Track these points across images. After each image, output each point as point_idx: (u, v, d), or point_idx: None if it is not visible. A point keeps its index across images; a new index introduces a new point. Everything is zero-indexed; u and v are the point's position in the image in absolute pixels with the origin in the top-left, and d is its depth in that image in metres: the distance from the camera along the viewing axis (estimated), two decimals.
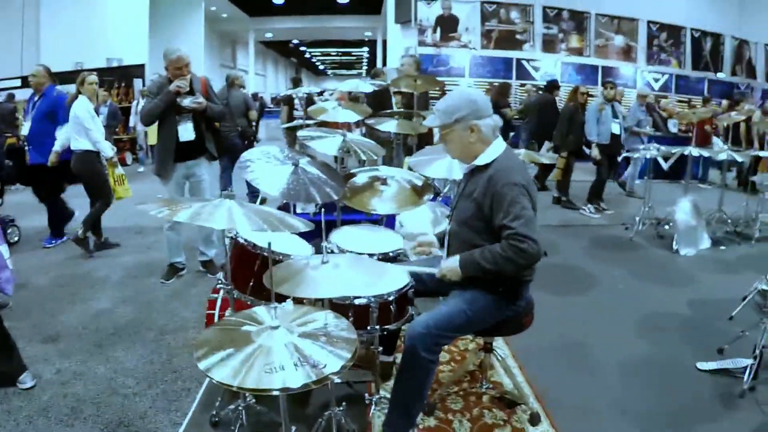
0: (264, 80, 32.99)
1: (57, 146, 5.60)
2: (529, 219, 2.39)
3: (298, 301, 2.02)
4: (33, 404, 3.00)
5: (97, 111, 11.19)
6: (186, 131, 4.70)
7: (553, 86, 9.84)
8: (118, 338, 3.82)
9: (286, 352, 1.64)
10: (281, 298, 1.94)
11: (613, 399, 3.25)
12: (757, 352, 3.33)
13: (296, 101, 9.62)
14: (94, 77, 5.81)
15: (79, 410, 2.95)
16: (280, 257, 2.60)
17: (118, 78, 13.28)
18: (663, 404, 3.21)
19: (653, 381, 3.48)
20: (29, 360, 3.33)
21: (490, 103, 2.65)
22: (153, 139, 8.01)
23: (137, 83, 13.40)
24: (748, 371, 3.31)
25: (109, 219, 6.03)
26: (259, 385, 1.53)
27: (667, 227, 6.88)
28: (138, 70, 13.48)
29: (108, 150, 5.73)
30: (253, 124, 8.40)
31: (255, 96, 14.90)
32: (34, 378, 3.20)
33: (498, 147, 2.61)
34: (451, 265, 2.54)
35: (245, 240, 2.71)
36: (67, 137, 5.57)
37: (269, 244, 1.81)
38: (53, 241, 6.03)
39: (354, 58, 41.56)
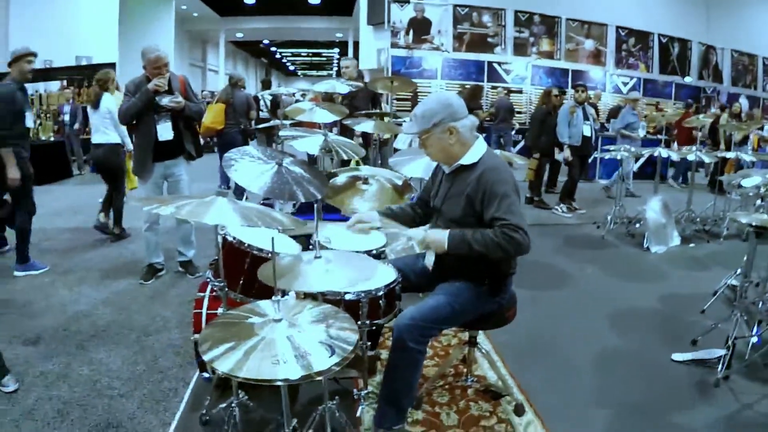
0: None
1: None
2: (520, 213, 2.47)
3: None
4: (18, 407, 2.96)
5: (59, 111, 11.12)
6: (165, 130, 4.67)
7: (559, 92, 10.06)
8: (100, 340, 3.79)
9: (288, 344, 1.68)
10: (268, 293, 1.97)
11: (592, 390, 3.35)
12: (730, 342, 3.46)
13: (261, 102, 9.77)
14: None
15: (65, 413, 2.93)
16: (268, 254, 2.62)
17: (87, 77, 13.08)
18: (641, 394, 3.31)
19: (630, 372, 3.59)
20: (11, 363, 3.28)
21: (465, 105, 2.72)
22: None
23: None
24: (721, 361, 3.44)
25: (85, 220, 5.96)
26: (263, 376, 1.56)
27: (637, 226, 7.05)
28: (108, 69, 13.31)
29: (131, 144, 5.95)
30: (253, 122, 8.66)
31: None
32: (17, 381, 3.15)
33: (481, 145, 2.69)
34: (438, 236, 2.57)
35: (234, 238, 2.72)
36: None
37: (272, 239, 1.84)
38: None
39: (324, 59, 41.48)
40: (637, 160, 10.27)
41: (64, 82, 12.70)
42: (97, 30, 13.52)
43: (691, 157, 7.02)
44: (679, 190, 10.68)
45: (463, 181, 2.63)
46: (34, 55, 4.90)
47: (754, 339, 3.59)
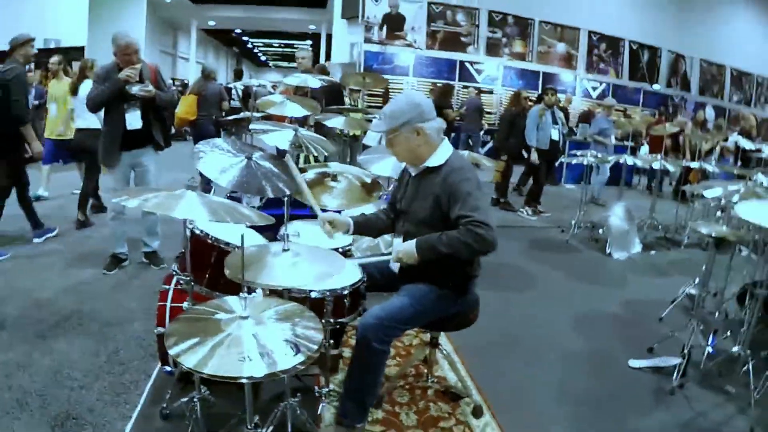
0: None
1: None
2: (485, 209, 2.51)
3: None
4: None
5: None
6: (134, 119, 4.61)
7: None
8: (61, 329, 3.74)
9: (254, 341, 1.70)
10: (235, 287, 1.99)
11: (549, 392, 3.43)
12: (686, 351, 3.58)
13: (234, 92, 9.84)
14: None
15: (24, 403, 2.89)
16: (236, 248, 2.63)
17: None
18: (598, 398, 3.40)
19: (588, 377, 3.67)
20: None
21: (434, 107, 2.76)
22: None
23: (75, 66, 12.97)
24: (677, 369, 3.54)
25: (45, 207, 5.88)
26: (228, 373, 1.58)
27: (601, 231, 7.17)
28: (77, 53, 13.01)
29: None
30: (224, 113, 8.84)
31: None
32: None
33: (447, 148, 2.73)
34: (407, 248, 2.60)
35: (202, 231, 2.72)
36: None
37: (242, 236, 1.86)
38: None
39: (296, 50, 41.31)
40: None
41: (32, 65, 12.43)
42: (67, 13, 13.26)
43: (656, 165, 7.17)
44: (644, 196, 10.86)
45: (430, 183, 2.67)
46: (34, 39, 5.25)
47: (710, 348, 3.71)
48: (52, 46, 12.88)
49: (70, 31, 13.18)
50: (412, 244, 2.58)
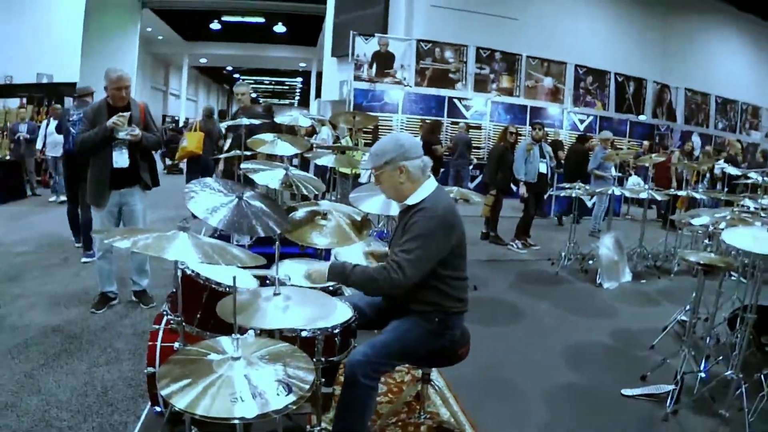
0: (195, 105, 32.52)
1: None
2: (418, 258, 2.56)
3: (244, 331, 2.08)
4: None
5: (15, 129, 11.16)
6: (121, 157, 4.61)
7: (584, 138, 11.49)
8: (49, 369, 3.71)
9: (245, 382, 1.71)
10: (225, 327, 2.00)
11: (543, 425, 3.42)
12: (679, 378, 3.61)
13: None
14: None
15: None
16: (227, 289, 2.65)
17: (47, 95, 12.89)
18: (592, 429, 3.42)
19: (581, 407, 3.68)
20: None
21: (420, 146, 2.84)
22: None
23: (68, 102, 13.04)
24: (670, 396, 3.58)
25: (38, 243, 5.85)
26: (220, 413, 1.59)
27: (591, 262, 7.22)
28: (69, 89, 13.09)
29: None
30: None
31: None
32: None
33: (428, 187, 2.78)
34: (320, 268, 2.73)
35: (193, 271, 2.73)
36: None
37: (234, 278, 1.88)
38: None
39: (287, 87, 41.69)
40: (591, 197, 10.57)
41: (24, 100, 12.53)
42: (60, 48, 13.41)
43: (643, 195, 7.25)
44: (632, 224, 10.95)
45: (408, 221, 2.72)
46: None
47: (702, 374, 3.74)
48: (45, 81, 13.00)
49: (63, 66, 13.28)
50: (326, 265, 2.71)
